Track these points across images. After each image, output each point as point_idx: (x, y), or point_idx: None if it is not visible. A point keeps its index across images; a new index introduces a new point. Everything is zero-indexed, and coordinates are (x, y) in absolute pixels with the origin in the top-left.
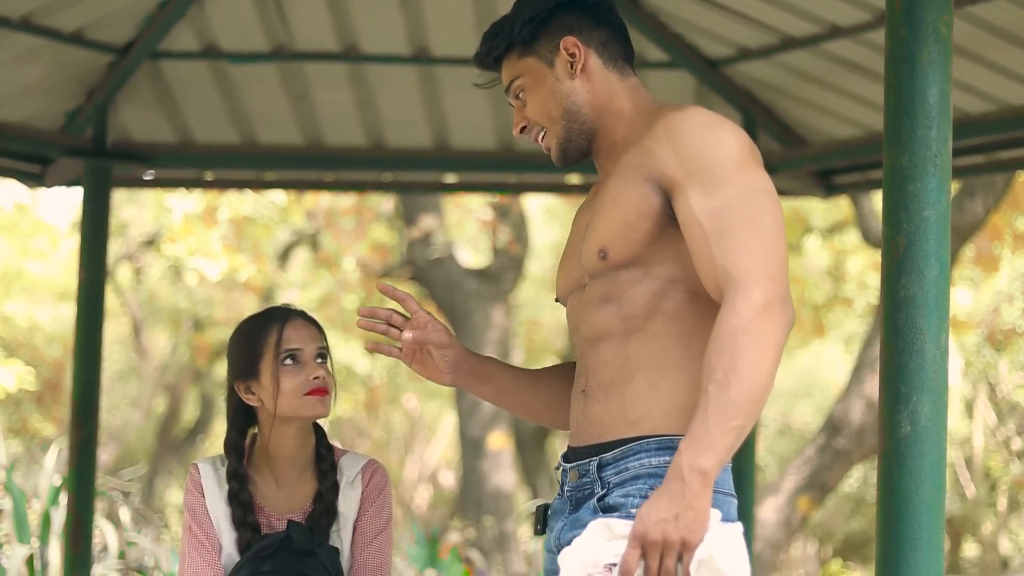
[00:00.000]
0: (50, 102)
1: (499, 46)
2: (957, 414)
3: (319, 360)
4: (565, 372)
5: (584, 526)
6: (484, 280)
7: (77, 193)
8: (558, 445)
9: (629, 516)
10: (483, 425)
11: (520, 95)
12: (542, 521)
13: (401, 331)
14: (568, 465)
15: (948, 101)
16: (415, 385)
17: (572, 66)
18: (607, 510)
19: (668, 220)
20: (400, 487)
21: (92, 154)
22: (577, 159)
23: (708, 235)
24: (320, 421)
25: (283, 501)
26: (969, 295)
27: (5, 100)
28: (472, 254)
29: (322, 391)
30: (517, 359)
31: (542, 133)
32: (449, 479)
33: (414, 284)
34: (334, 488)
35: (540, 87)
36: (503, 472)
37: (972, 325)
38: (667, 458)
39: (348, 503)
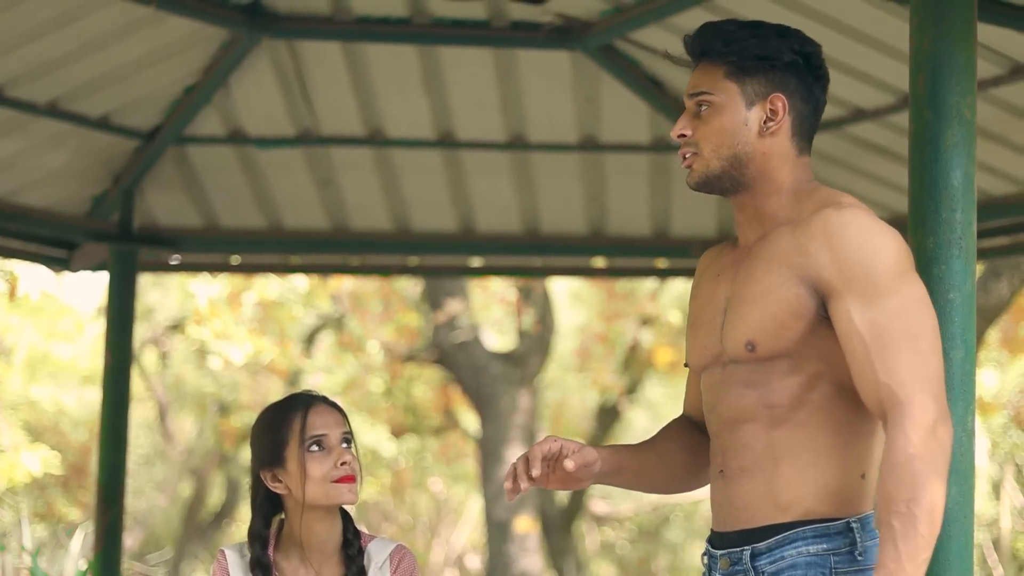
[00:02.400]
0: (76, 187)
1: (716, 51)
2: (984, 496)
3: (344, 445)
4: (676, 436)
5: None
6: (510, 363)
7: (103, 277)
8: (584, 528)
9: None
10: (509, 508)
11: (702, 108)
12: None
13: (528, 474)
14: (719, 552)
15: (972, 183)
16: (440, 469)
17: (766, 123)
18: None
19: (820, 320)
20: (427, 571)
21: (118, 239)
22: (709, 192)
23: (869, 349)
24: (347, 506)
25: None
26: (995, 376)
27: (32, 185)
28: (498, 337)
29: (350, 479)
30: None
31: (694, 154)
32: (476, 563)
33: (439, 368)
34: (361, 573)
35: (725, 118)
36: (530, 556)
37: (998, 407)
38: (824, 546)
39: None
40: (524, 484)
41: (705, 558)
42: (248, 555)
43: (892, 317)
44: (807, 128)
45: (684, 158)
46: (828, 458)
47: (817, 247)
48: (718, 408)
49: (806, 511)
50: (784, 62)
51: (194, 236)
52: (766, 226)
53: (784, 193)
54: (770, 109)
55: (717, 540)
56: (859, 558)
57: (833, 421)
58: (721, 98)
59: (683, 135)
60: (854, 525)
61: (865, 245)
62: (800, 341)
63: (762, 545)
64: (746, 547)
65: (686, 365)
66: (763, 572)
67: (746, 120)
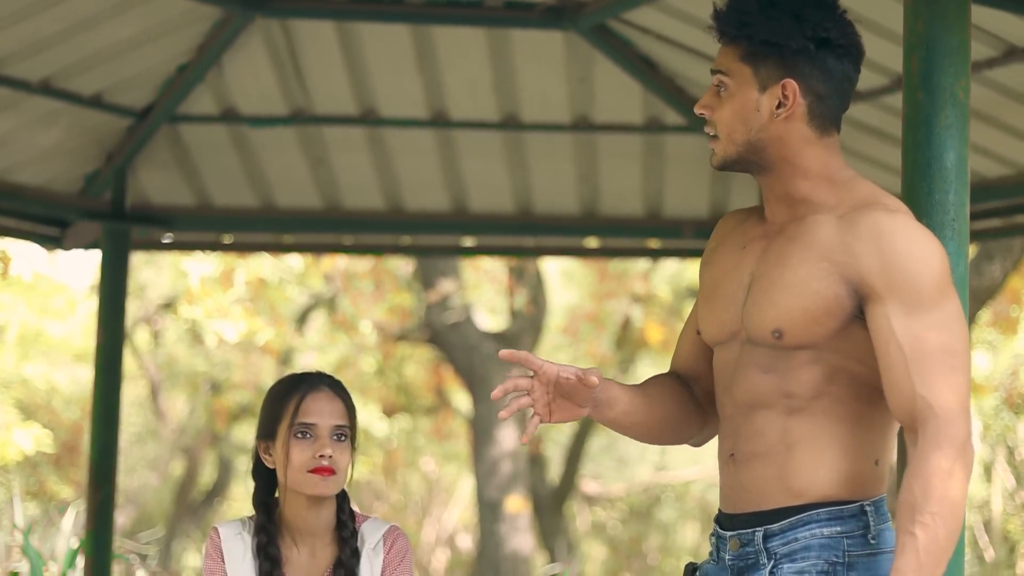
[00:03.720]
0: (69, 165)
1: (729, 35)
2: (976, 477)
3: (335, 438)
4: (663, 386)
5: None
6: (502, 343)
7: (95, 256)
8: (576, 508)
9: None
10: (500, 488)
11: (720, 90)
12: None
13: (528, 392)
14: (728, 533)
15: (965, 165)
16: (432, 448)
17: (779, 107)
18: None
19: (852, 319)
20: (418, 550)
21: (111, 217)
22: (732, 171)
23: (907, 359)
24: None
25: (304, 568)
26: (987, 358)
27: (24, 163)
28: (490, 317)
29: (326, 471)
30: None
31: (714, 136)
32: (467, 542)
33: (432, 347)
34: (355, 555)
35: (738, 102)
36: (521, 535)
37: (990, 388)
38: (838, 528)
39: (370, 570)
40: (523, 400)
41: (713, 538)
42: (244, 531)
43: (932, 330)
44: (830, 108)
45: (708, 137)
46: (843, 446)
47: (866, 249)
48: (733, 390)
49: (821, 495)
50: (793, 50)
51: (186, 215)
52: (798, 209)
53: (813, 177)
54: (783, 94)
55: (726, 521)
56: (872, 541)
57: (849, 412)
58: (736, 81)
59: (703, 113)
60: (868, 508)
61: (914, 254)
62: (828, 336)
63: (775, 527)
64: (758, 528)
65: (698, 333)
66: (775, 553)
67: (759, 105)
